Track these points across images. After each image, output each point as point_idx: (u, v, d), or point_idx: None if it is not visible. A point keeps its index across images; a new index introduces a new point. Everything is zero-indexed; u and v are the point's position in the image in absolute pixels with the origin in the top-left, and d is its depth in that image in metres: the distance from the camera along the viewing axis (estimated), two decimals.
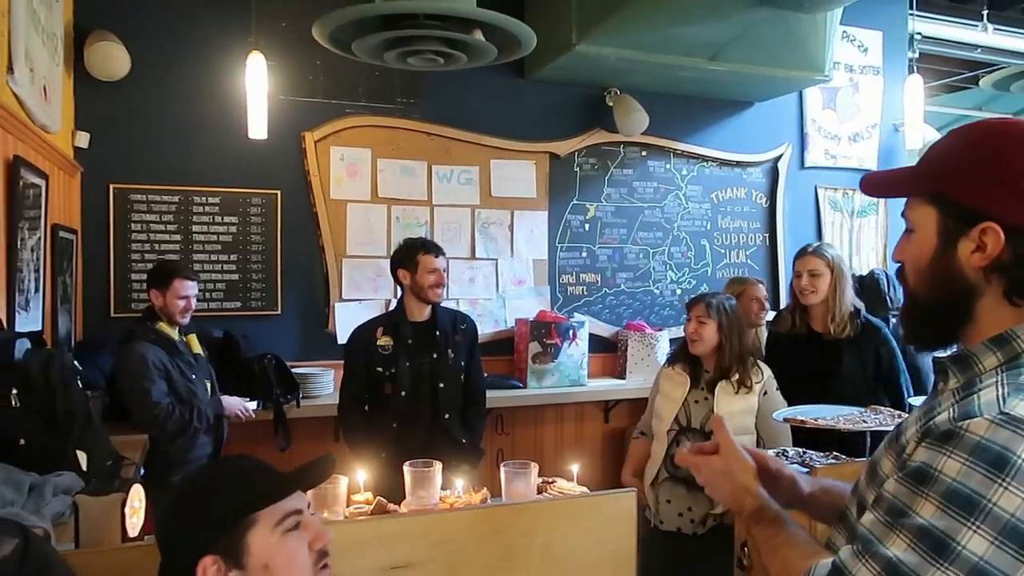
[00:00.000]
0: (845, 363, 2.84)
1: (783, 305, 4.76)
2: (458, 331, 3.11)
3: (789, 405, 2.63)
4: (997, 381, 0.87)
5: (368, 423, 3.01)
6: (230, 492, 1.12)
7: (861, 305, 2.97)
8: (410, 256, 3.02)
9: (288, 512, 1.13)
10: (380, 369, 2.99)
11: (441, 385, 3.02)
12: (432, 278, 2.98)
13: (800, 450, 2.49)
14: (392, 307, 3.98)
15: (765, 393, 2.65)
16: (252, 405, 3.21)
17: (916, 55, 4.47)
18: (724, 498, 1.15)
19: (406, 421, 2.98)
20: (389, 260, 3.14)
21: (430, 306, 3.05)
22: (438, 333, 3.04)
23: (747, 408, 2.63)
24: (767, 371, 2.71)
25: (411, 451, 2.65)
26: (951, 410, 0.88)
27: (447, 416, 3.03)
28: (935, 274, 0.96)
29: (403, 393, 2.98)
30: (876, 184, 1.06)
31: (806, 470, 2.29)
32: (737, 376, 2.63)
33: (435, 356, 3.02)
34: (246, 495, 1.12)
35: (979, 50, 5.38)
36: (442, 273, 3.01)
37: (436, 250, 3.02)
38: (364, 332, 3.07)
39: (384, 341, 3.01)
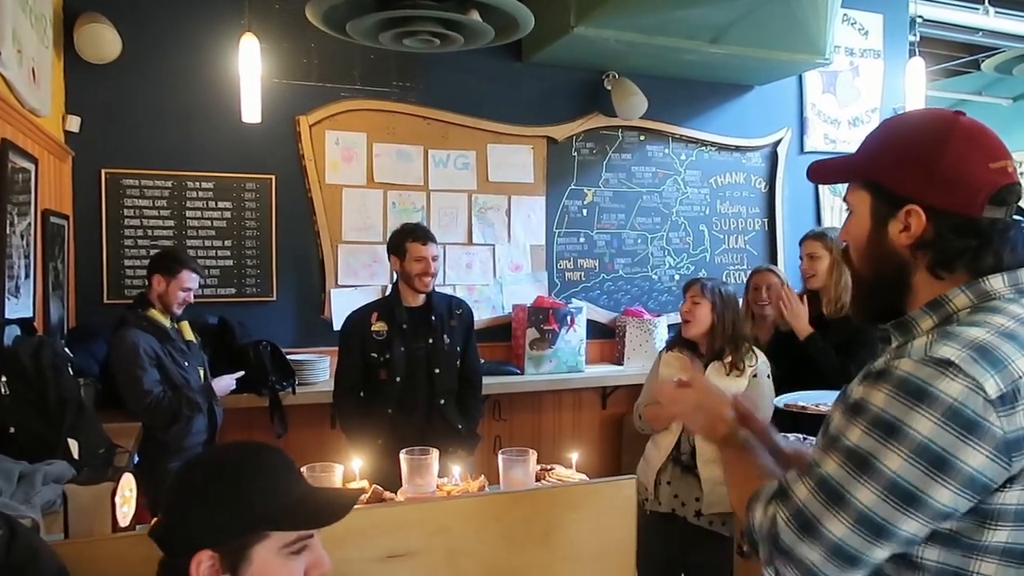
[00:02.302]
0: (826, 339, 2.86)
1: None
2: (454, 316, 3.07)
3: (793, 389, 2.62)
4: (929, 334, 0.99)
5: (364, 409, 2.98)
6: (256, 499, 1.08)
7: None
8: (399, 242, 2.97)
9: (300, 537, 1.11)
10: (375, 355, 2.96)
11: (437, 371, 2.99)
12: (419, 267, 2.92)
13: (801, 436, 2.47)
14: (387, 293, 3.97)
15: (755, 376, 2.65)
16: (233, 379, 3.19)
17: (917, 38, 4.43)
18: (700, 428, 1.28)
19: (402, 407, 2.95)
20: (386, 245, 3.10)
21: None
22: (433, 318, 3.00)
23: (734, 392, 2.63)
24: (761, 357, 2.71)
25: (407, 437, 2.63)
26: (887, 355, 0.99)
27: (442, 402, 3.01)
28: (871, 253, 1.08)
29: (398, 379, 2.94)
30: (820, 172, 1.18)
31: None
32: (729, 359, 2.63)
33: (431, 341, 2.99)
34: (272, 509, 1.08)
35: (980, 33, 5.32)
36: (430, 262, 2.93)
37: (425, 237, 2.95)
38: (358, 318, 3.03)
39: (379, 327, 2.97)
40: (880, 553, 0.94)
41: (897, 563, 0.98)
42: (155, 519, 1.14)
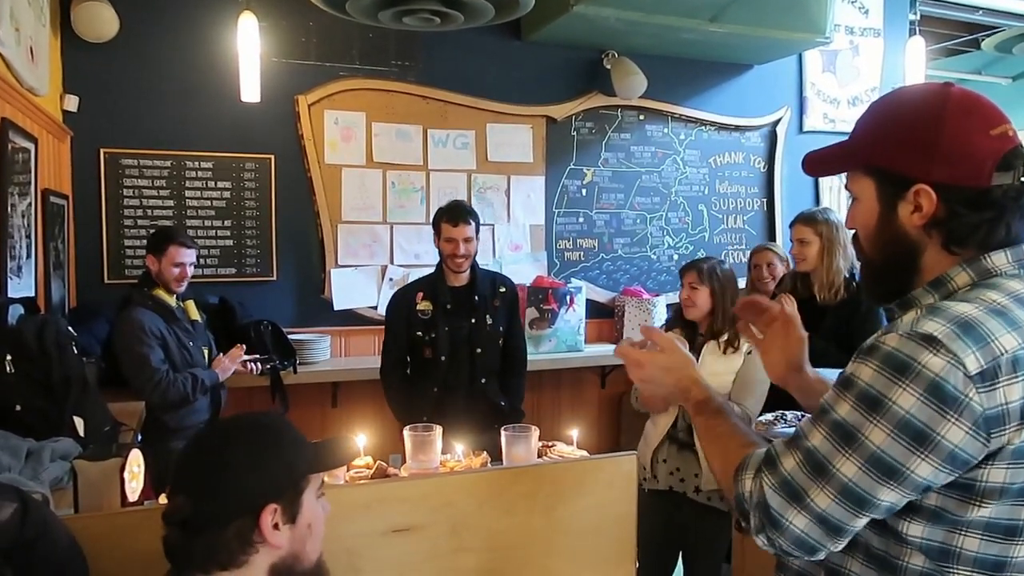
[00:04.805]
0: (824, 327, 2.85)
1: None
2: (497, 295, 3.07)
3: None
4: (918, 310, 0.98)
5: (409, 386, 3.03)
6: (301, 448, 1.18)
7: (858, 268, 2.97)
8: (436, 221, 2.98)
9: (322, 479, 1.23)
10: (420, 333, 2.99)
11: (478, 350, 3.01)
12: (448, 248, 2.92)
13: (799, 413, 2.49)
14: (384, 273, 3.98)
15: (749, 352, 2.66)
16: (232, 362, 3.13)
17: (917, 17, 4.41)
18: (668, 391, 1.25)
19: (446, 385, 2.98)
20: None
21: (468, 270, 3.00)
22: (476, 298, 3.01)
23: (730, 370, 2.64)
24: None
25: (452, 415, 2.74)
26: (880, 331, 0.99)
27: (484, 380, 3.03)
28: (882, 237, 1.06)
29: (443, 358, 2.97)
30: (815, 164, 1.14)
31: None
32: (726, 337, 2.65)
33: (473, 321, 3.00)
34: (309, 454, 1.19)
35: (980, 12, 5.29)
36: (459, 243, 2.90)
37: (455, 218, 2.91)
38: (404, 296, 3.06)
39: (423, 306, 2.99)
40: (862, 522, 0.97)
41: (886, 538, 1.00)
42: (172, 506, 1.13)
